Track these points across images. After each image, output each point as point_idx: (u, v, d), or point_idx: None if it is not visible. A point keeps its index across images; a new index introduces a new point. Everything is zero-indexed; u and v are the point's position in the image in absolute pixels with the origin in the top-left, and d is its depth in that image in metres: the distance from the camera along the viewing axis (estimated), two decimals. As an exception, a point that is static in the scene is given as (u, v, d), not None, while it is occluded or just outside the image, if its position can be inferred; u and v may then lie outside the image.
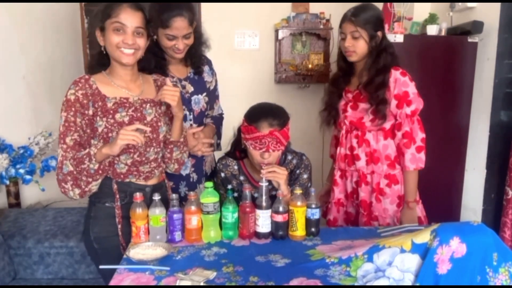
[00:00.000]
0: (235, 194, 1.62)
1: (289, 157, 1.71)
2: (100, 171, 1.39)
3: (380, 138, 1.78)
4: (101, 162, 1.39)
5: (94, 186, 1.41)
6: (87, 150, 1.36)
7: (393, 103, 1.72)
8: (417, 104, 1.72)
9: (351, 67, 1.84)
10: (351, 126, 1.82)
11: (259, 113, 1.57)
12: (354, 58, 1.76)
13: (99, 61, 1.48)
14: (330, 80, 2.00)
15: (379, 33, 1.74)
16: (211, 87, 1.91)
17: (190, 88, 1.80)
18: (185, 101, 1.76)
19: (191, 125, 1.80)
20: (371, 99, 1.73)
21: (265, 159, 1.55)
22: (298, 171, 1.70)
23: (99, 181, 1.42)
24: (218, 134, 1.95)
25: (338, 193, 1.91)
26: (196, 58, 1.81)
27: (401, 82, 1.71)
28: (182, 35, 1.62)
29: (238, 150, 1.73)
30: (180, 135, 1.57)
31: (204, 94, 1.85)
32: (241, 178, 1.71)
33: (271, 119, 1.54)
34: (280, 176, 1.54)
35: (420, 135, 1.73)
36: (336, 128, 1.97)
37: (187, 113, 1.78)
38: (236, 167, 1.72)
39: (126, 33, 1.38)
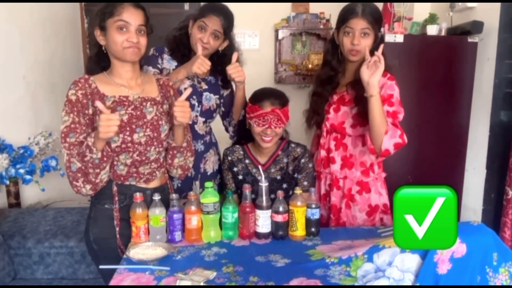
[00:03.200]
0: (240, 177, 1.79)
1: (293, 145, 1.79)
2: (105, 158, 1.37)
3: (358, 144, 1.72)
4: (103, 149, 1.36)
5: (104, 175, 1.40)
6: (84, 143, 1.35)
7: None
8: (398, 108, 1.62)
9: (341, 67, 1.75)
10: (331, 129, 1.76)
11: (262, 94, 1.73)
12: (357, 58, 1.65)
13: (97, 63, 1.48)
14: (318, 81, 1.83)
15: (379, 33, 1.68)
16: (225, 93, 1.93)
17: (204, 86, 1.84)
18: (197, 93, 1.80)
19: (196, 116, 1.81)
20: (356, 98, 1.65)
21: (268, 135, 1.67)
22: (303, 160, 1.76)
23: (107, 168, 1.40)
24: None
25: None
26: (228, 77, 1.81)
27: (387, 85, 1.63)
28: (213, 28, 1.72)
29: (243, 138, 1.86)
30: (183, 141, 1.54)
31: (217, 96, 1.88)
32: (247, 161, 1.81)
33: (272, 99, 1.69)
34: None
35: (398, 132, 1.58)
36: (318, 128, 1.89)
37: (196, 103, 1.80)
38: (241, 152, 1.82)
39: (130, 31, 1.38)
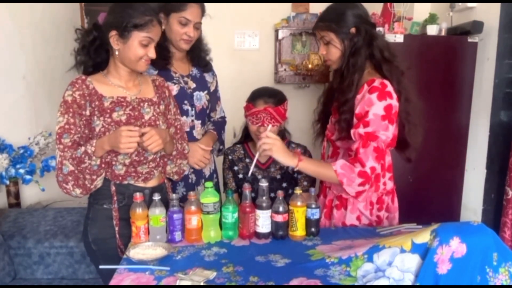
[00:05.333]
0: (240, 176, 1.83)
1: (293, 145, 1.80)
2: (103, 165, 1.40)
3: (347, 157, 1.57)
4: (101, 156, 1.39)
5: (99, 182, 1.42)
6: (83, 149, 1.36)
7: (354, 122, 1.45)
8: (376, 127, 1.38)
9: None
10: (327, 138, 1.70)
11: (257, 93, 1.76)
12: (334, 66, 1.57)
13: (93, 58, 1.45)
14: (326, 89, 1.74)
15: (353, 30, 1.48)
16: (212, 88, 1.92)
17: (192, 84, 1.83)
18: (187, 96, 1.79)
19: (192, 121, 1.81)
20: (337, 108, 1.52)
21: (261, 133, 1.62)
22: None
23: (103, 174, 1.43)
24: (220, 140, 1.95)
25: None
26: (202, 54, 1.86)
27: (365, 100, 1.41)
28: (195, 21, 1.69)
29: (244, 135, 1.87)
30: (172, 150, 1.57)
31: (206, 92, 1.87)
32: (247, 160, 1.83)
33: (266, 97, 1.71)
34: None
35: (370, 163, 1.38)
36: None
37: (189, 108, 1.79)
38: (242, 152, 1.85)
39: (151, 47, 1.42)
